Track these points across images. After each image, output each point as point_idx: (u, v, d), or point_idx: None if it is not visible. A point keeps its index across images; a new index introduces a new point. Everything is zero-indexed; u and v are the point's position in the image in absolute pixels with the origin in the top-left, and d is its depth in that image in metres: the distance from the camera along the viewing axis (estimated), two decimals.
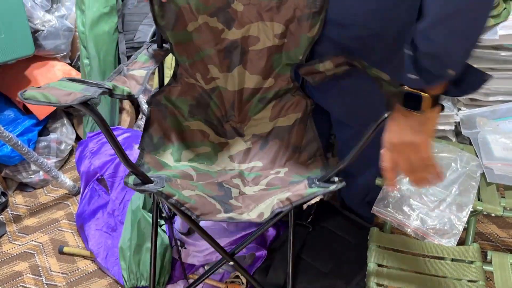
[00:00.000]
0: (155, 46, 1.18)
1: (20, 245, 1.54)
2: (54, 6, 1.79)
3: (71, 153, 1.86)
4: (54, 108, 1.74)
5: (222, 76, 1.20)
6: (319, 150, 1.16)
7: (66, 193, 1.72)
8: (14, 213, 1.65)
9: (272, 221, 1.06)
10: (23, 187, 1.73)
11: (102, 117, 0.78)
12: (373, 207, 1.20)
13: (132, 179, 0.90)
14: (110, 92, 0.86)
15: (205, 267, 1.40)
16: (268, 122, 1.23)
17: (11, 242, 1.54)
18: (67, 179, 1.66)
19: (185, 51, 1.16)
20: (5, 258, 1.49)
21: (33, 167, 1.70)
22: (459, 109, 1.51)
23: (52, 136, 1.76)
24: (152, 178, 0.92)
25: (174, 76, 1.20)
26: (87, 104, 0.75)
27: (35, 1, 1.66)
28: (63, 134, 1.79)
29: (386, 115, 0.85)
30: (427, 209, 1.18)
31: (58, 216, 1.63)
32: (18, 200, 1.70)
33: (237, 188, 1.09)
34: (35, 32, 1.65)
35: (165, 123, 1.17)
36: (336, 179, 0.96)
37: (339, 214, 1.40)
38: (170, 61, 1.66)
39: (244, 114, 1.25)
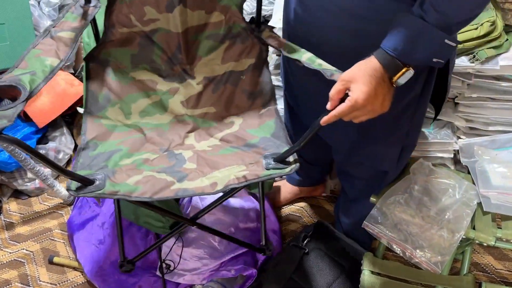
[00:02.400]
0: (82, 1, 1.10)
1: (10, 252, 1.52)
2: None
3: (68, 162, 1.85)
4: (54, 116, 1.74)
5: (161, 17, 1.13)
6: (273, 97, 1.15)
7: (60, 203, 1.70)
8: (7, 220, 1.63)
9: (228, 195, 1.08)
10: (18, 194, 1.72)
11: (18, 141, 0.75)
12: (364, 221, 1.19)
13: (74, 184, 0.88)
14: (29, 95, 0.80)
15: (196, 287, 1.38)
16: (219, 65, 1.18)
17: (2, 250, 1.53)
18: (62, 188, 1.65)
19: None
20: None
21: (29, 175, 1.69)
22: (458, 138, 1.51)
23: (51, 144, 1.75)
24: (93, 178, 0.90)
25: (106, 29, 1.13)
26: (1, 135, 0.72)
27: (43, 11, 1.68)
28: (61, 143, 1.79)
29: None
30: (418, 230, 1.17)
31: (51, 225, 1.62)
32: (12, 207, 1.68)
33: (190, 149, 1.07)
34: None
35: (109, 78, 1.12)
36: (292, 158, 0.96)
37: (336, 238, 1.39)
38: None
39: (192, 54, 1.18)
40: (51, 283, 1.43)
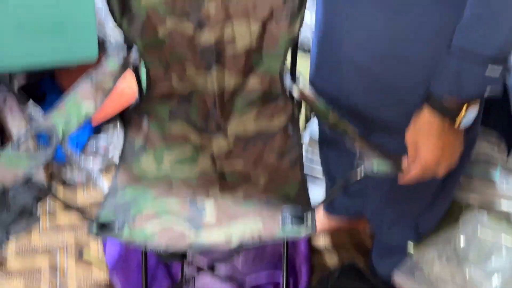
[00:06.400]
0: (124, 50, 1.17)
1: (47, 240, 1.57)
2: None
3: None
4: (109, 116, 1.79)
5: (200, 76, 1.18)
6: (300, 157, 1.17)
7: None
8: (52, 208, 1.69)
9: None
10: (66, 186, 1.78)
11: (48, 189, 0.86)
12: (395, 269, 1.07)
13: (96, 225, 0.94)
14: (61, 140, 0.89)
15: None
16: (252, 124, 1.22)
17: (40, 236, 1.58)
18: (105, 184, 1.68)
19: (157, 55, 1.14)
20: (30, 250, 1.53)
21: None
22: None
23: (102, 141, 1.80)
24: (113, 221, 0.96)
25: (148, 87, 1.19)
26: (29, 180, 0.83)
27: None
28: (113, 141, 1.83)
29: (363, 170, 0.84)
30: None
31: None
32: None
33: (213, 197, 1.10)
34: (104, 41, 1.71)
35: (147, 129, 1.20)
36: (310, 220, 0.96)
37: (365, 280, 1.26)
38: None
39: (227, 112, 1.22)
40: (76, 278, 1.45)
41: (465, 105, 0.73)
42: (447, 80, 0.73)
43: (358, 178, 0.87)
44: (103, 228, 0.95)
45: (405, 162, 0.83)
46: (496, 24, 0.66)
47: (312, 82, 1.17)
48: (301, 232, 0.95)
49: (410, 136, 0.80)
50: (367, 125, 1.02)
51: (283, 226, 0.96)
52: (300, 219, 0.96)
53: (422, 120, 0.77)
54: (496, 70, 0.70)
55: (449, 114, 0.74)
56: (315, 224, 0.95)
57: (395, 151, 0.87)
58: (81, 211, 0.92)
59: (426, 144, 0.77)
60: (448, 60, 0.73)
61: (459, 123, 0.74)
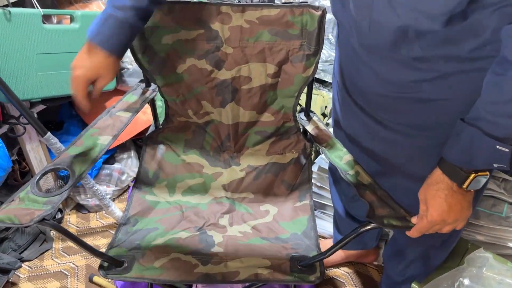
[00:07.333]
0: (143, 85, 1.22)
1: (59, 263, 1.60)
2: None
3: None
4: (124, 140, 1.83)
5: (215, 111, 1.23)
6: (309, 191, 1.18)
7: (115, 223, 1.77)
8: None
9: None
10: (79, 208, 1.83)
11: (62, 228, 0.81)
12: None
13: (107, 264, 0.93)
14: (76, 181, 0.86)
15: None
16: (264, 156, 1.26)
17: (53, 259, 1.61)
18: (117, 209, 1.71)
19: (175, 91, 1.19)
20: (42, 273, 1.56)
21: None
22: None
23: (116, 166, 1.84)
24: (122, 259, 0.94)
25: (166, 117, 1.24)
26: (44, 220, 0.77)
27: None
28: (127, 166, 1.87)
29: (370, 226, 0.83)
30: None
31: (101, 243, 1.68)
32: (72, 219, 1.79)
33: (222, 233, 1.09)
34: (122, 69, 1.77)
35: (161, 158, 1.24)
36: (318, 266, 0.94)
37: None
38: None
39: (240, 144, 1.27)
40: None
41: (473, 174, 0.74)
42: (459, 149, 0.74)
43: (368, 229, 0.85)
44: (112, 266, 0.93)
45: (414, 219, 0.83)
46: (507, 111, 0.68)
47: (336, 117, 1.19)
48: (309, 280, 0.93)
49: (422, 192, 0.81)
50: (385, 164, 1.04)
51: (291, 274, 0.94)
52: (309, 267, 0.95)
53: (432, 179, 0.79)
54: (506, 146, 0.71)
55: (458, 179, 0.75)
56: (324, 272, 0.94)
57: (410, 191, 0.87)
58: (91, 250, 0.88)
59: (433, 203, 0.78)
60: (461, 129, 0.74)
61: (467, 187, 0.75)
